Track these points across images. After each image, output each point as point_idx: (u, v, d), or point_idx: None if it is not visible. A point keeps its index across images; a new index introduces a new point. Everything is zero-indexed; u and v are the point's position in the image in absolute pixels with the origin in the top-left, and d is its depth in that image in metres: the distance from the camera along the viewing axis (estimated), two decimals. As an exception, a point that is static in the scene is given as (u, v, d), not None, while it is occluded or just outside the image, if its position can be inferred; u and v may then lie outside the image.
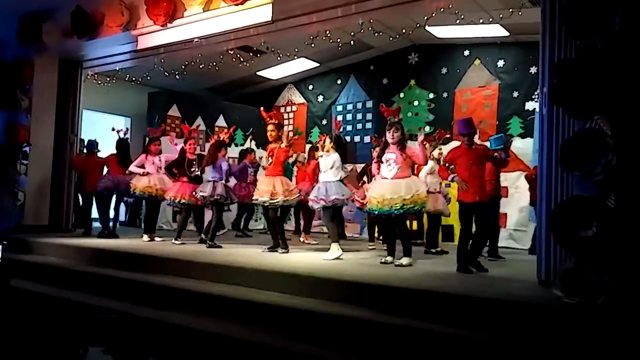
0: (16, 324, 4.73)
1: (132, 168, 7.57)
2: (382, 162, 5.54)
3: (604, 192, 3.56)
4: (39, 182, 8.60)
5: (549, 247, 4.19)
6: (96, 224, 8.68)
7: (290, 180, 8.53)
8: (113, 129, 8.16)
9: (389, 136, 5.48)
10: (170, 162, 7.44)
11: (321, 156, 6.24)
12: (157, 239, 7.51)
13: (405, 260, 5.34)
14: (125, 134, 8.18)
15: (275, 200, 6.22)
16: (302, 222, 8.40)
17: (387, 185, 5.42)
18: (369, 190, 5.94)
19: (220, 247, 6.67)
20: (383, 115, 5.81)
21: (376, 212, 5.56)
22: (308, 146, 10.84)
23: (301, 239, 7.90)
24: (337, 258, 5.75)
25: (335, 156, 6.09)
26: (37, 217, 8.53)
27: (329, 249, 5.91)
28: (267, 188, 6.24)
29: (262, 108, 6.63)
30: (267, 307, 4.25)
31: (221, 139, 7.18)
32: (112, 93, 10.31)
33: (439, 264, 5.69)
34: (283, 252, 6.21)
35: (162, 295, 4.91)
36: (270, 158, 6.41)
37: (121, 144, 8.05)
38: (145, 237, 7.48)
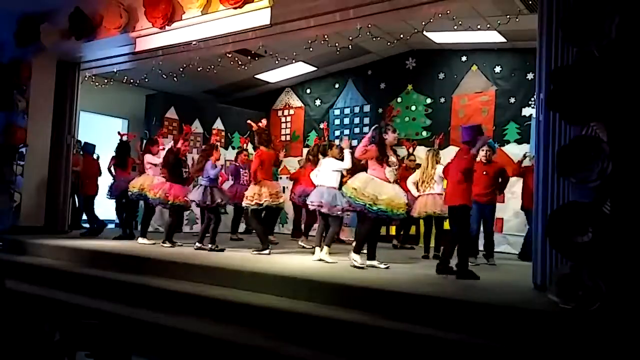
0: (10, 325, 4.70)
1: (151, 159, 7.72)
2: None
3: (600, 198, 3.58)
4: (36, 183, 8.58)
5: (544, 252, 4.21)
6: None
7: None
8: (119, 133, 8.23)
9: None
10: (169, 159, 7.40)
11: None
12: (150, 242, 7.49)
13: (354, 256, 5.46)
14: (130, 139, 8.25)
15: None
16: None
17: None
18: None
19: (223, 250, 6.72)
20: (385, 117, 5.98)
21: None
22: (306, 150, 10.88)
23: (300, 243, 7.87)
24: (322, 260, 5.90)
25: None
26: (33, 218, 8.50)
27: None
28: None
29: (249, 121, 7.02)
30: (263, 310, 4.25)
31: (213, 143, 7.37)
32: (109, 95, 10.31)
33: (435, 268, 5.69)
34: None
35: (158, 298, 4.90)
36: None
37: (122, 147, 8.14)
38: (144, 240, 7.46)
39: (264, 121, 6.94)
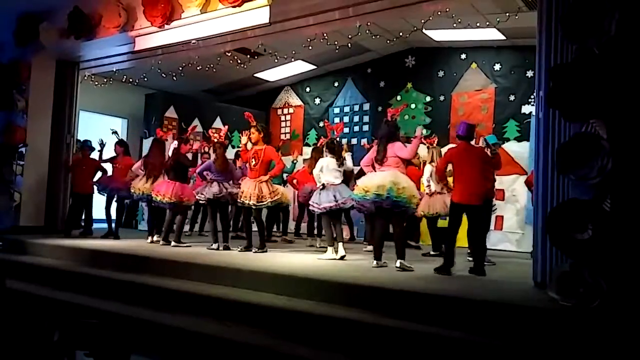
0: (10, 325, 4.70)
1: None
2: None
3: (600, 195, 3.58)
4: (35, 183, 8.57)
5: (544, 249, 4.21)
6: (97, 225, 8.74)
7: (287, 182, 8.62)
8: (113, 132, 8.22)
9: None
10: (184, 160, 7.37)
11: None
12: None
13: (399, 263, 5.20)
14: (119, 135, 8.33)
15: (262, 203, 6.41)
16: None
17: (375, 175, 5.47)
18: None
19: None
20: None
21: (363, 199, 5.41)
22: (305, 148, 10.89)
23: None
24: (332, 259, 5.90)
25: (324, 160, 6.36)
26: (33, 218, 8.49)
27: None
28: (254, 191, 6.40)
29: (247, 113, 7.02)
30: (264, 308, 4.25)
31: (217, 140, 7.32)
32: (108, 94, 10.31)
33: (435, 266, 5.69)
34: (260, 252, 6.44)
35: (158, 297, 4.90)
36: (254, 160, 6.48)
37: (125, 144, 8.24)
38: (152, 238, 7.45)
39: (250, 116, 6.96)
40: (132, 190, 7.55)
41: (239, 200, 6.49)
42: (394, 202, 5.20)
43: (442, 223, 8.11)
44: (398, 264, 5.14)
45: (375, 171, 5.55)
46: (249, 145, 6.70)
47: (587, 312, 3.31)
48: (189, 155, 7.53)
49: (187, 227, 9.69)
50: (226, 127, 7.62)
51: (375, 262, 5.32)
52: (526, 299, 3.90)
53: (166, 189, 7.09)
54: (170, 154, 7.36)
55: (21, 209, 8.39)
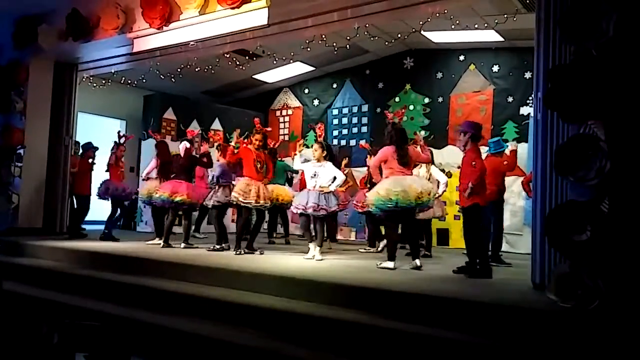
0: (8, 327, 4.69)
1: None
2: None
3: (598, 196, 3.58)
4: (33, 185, 8.55)
5: (543, 251, 4.21)
6: (91, 227, 8.71)
7: (291, 185, 8.61)
8: (119, 133, 8.25)
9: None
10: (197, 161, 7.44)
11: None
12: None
13: (419, 262, 5.35)
14: (128, 139, 8.34)
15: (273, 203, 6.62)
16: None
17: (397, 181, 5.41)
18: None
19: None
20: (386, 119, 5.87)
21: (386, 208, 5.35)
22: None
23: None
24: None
25: (331, 165, 6.31)
26: (31, 220, 8.48)
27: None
28: (266, 192, 6.48)
29: (257, 120, 6.93)
30: (263, 310, 4.25)
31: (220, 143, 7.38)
32: (107, 96, 10.30)
33: (434, 267, 5.70)
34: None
35: (158, 299, 4.89)
36: (259, 163, 6.50)
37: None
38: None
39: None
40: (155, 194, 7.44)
41: (252, 203, 6.31)
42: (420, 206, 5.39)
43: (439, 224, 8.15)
44: (418, 263, 5.35)
45: (382, 175, 5.58)
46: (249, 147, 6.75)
47: (586, 313, 3.32)
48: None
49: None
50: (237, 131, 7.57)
51: (391, 263, 5.33)
52: (525, 300, 3.91)
53: (180, 189, 7.06)
54: (182, 154, 7.40)
55: (19, 210, 8.37)
